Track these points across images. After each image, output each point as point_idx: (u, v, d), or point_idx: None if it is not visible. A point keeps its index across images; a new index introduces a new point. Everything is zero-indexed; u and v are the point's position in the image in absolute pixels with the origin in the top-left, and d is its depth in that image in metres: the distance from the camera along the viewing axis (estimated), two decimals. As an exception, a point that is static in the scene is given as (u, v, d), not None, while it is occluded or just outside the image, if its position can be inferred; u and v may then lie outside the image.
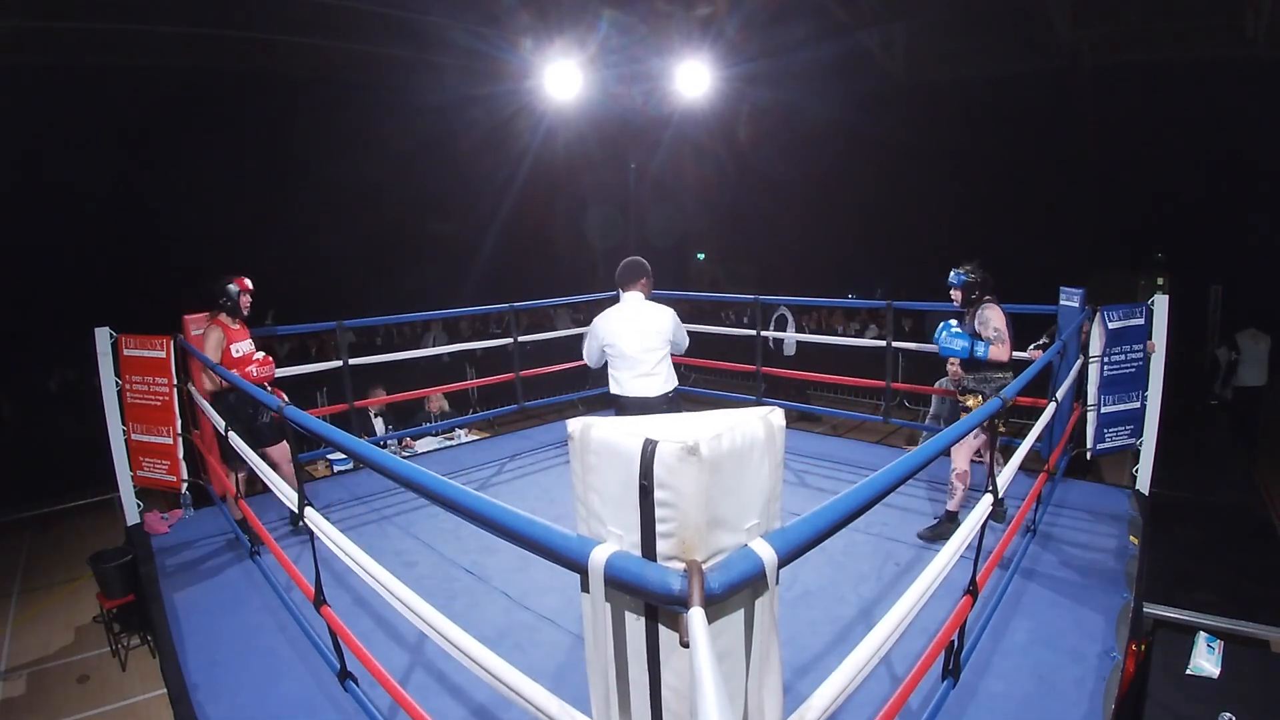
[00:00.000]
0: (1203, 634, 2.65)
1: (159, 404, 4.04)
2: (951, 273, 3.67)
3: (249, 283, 3.84)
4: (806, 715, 1.23)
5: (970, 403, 3.69)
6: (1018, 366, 3.58)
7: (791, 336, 8.70)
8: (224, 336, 3.75)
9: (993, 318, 3.55)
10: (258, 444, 3.65)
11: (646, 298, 3.48)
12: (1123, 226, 10.72)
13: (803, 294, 9.17)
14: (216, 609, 3.19)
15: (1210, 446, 6.82)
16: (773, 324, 9.10)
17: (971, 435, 3.60)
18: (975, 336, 3.55)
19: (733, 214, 14.26)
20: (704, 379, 7.51)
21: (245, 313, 3.86)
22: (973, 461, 5.38)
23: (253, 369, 3.74)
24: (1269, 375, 7.59)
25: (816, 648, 2.74)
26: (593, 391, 6.65)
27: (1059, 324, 4.26)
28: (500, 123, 10.53)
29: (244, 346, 3.82)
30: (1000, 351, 3.52)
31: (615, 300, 3.52)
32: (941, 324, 3.67)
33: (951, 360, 5.75)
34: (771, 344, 8.90)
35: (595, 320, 3.46)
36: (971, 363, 3.63)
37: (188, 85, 9.59)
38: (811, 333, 10.00)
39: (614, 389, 3.46)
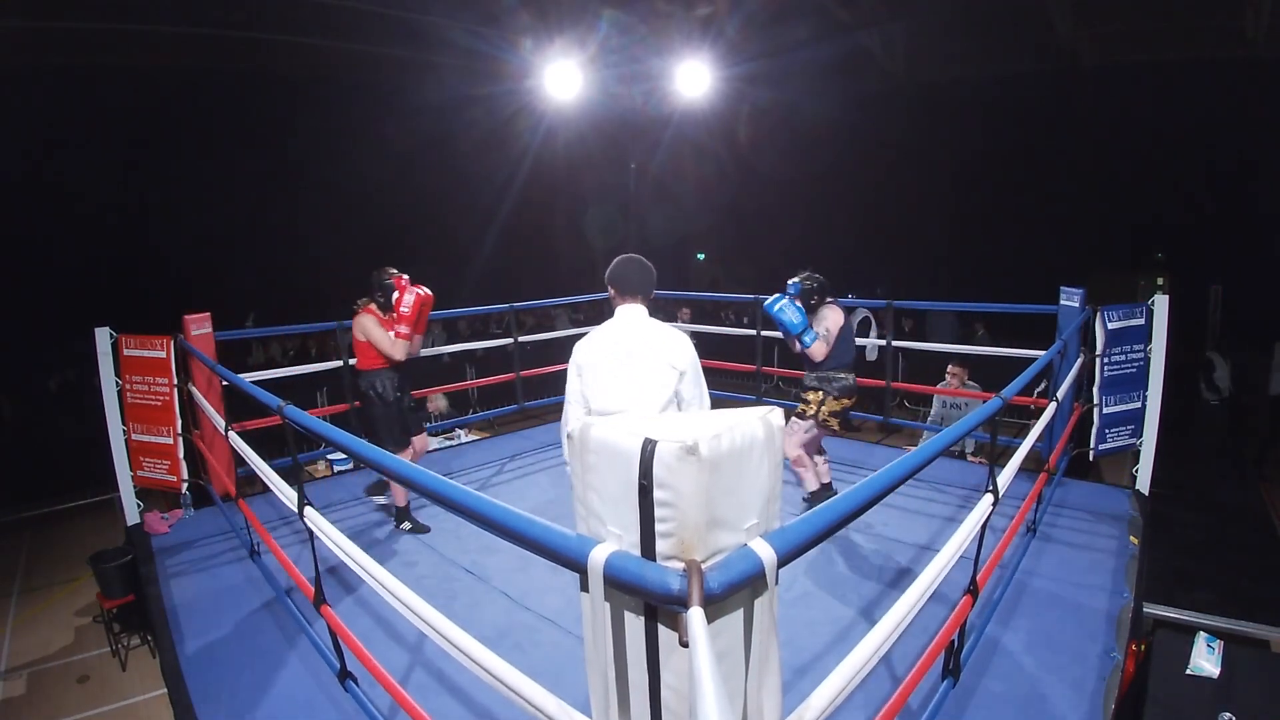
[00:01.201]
0: (1203, 634, 2.65)
1: (159, 404, 4.04)
2: (789, 283, 3.74)
3: (406, 281, 3.94)
4: (806, 715, 1.23)
5: (810, 397, 3.78)
6: (858, 368, 3.83)
7: (874, 342, 7.87)
8: (376, 323, 3.89)
9: (828, 318, 3.68)
10: (406, 431, 3.94)
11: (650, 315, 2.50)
12: (1123, 226, 10.73)
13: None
14: (216, 609, 3.18)
15: (1210, 446, 6.82)
16: (855, 328, 8.75)
17: (803, 427, 3.78)
18: None
19: (733, 214, 14.26)
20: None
21: (392, 310, 3.98)
22: (972, 461, 5.39)
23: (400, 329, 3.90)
24: None
25: (816, 648, 2.74)
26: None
27: (1059, 325, 4.26)
28: (500, 123, 10.54)
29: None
30: (818, 349, 3.64)
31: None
32: (787, 293, 3.70)
33: (952, 365, 5.77)
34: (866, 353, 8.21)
35: (575, 350, 2.46)
36: (809, 360, 3.75)
37: (188, 85, 9.60)
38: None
39: None
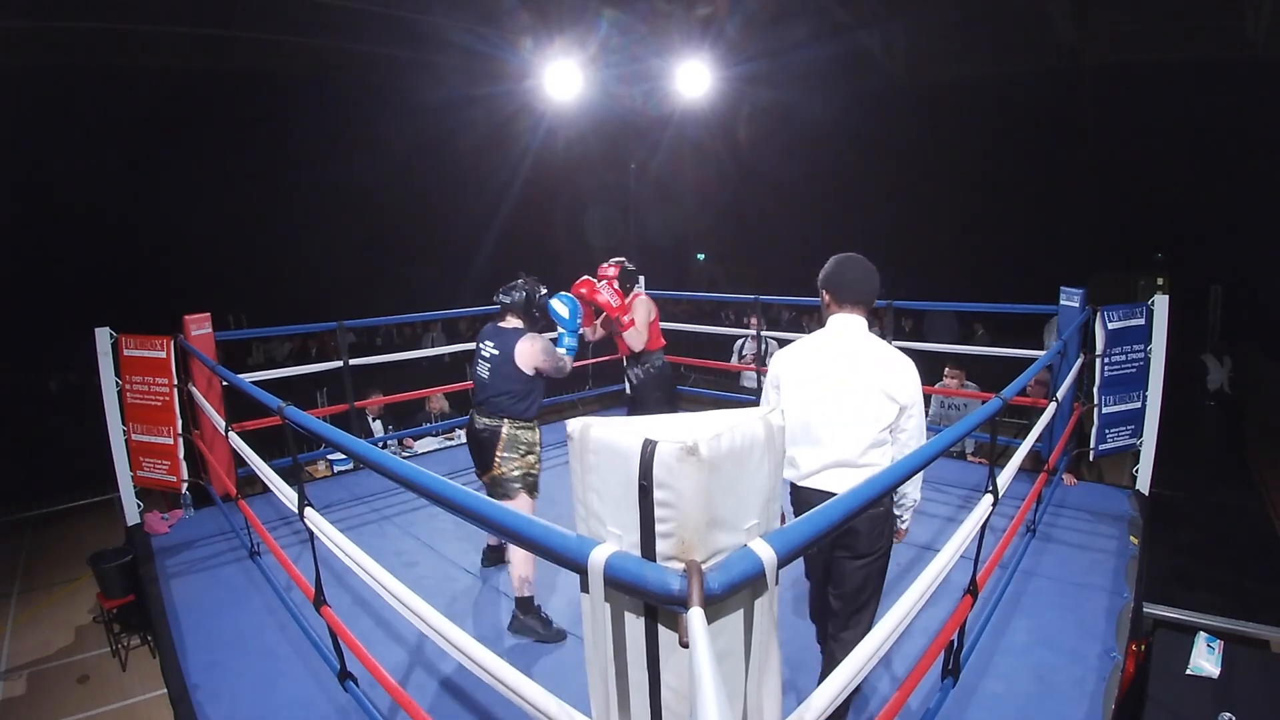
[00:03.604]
0: (1203, 634, 2.66)
1: (159, 404, 4.04)
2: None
3: (602, 274, 4.22)
4: (806, 715, 1.23)
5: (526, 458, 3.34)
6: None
7: (1219, 368, 7.26)
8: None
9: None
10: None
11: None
12: (1123, 226, 10.74)
13: (804, 294, 9.13)
14: (216, 609, 3.19)
15: (1210, 446, 6.82)
16: None
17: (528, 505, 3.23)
18: None
19: (733, 214, 14.28)
20: (704, 379, 7.51)
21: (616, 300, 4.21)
22: (972, 461, 5.39)
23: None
24: None
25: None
26: (593, 392, 6.64)
27: (1059, 325, 4.26)
28: (500, 123, 10.54)
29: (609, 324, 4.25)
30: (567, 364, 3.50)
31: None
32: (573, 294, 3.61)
33: (950, 367, 5.77)
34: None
35: (777, 359, 2.15)
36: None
37: (186, 85, 9.60)
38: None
39: (788, 471, 2.10)
